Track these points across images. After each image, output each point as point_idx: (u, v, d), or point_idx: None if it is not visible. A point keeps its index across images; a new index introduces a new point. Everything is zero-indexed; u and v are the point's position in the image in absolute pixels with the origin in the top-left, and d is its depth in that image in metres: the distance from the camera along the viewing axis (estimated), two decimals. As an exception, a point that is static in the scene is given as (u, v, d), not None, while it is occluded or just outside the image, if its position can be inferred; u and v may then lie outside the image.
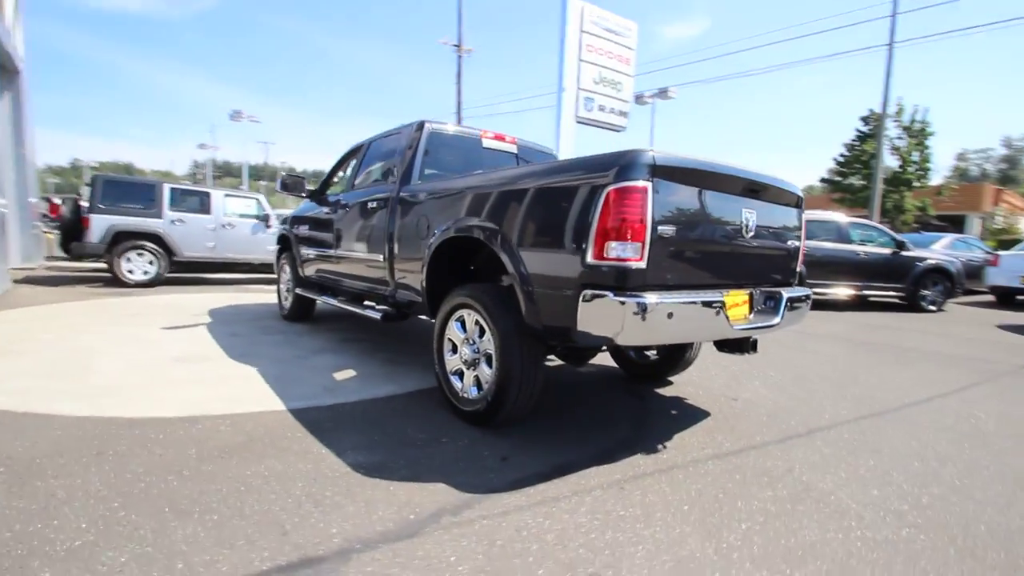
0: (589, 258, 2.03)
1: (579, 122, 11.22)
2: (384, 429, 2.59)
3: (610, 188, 1.97)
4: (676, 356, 3.48)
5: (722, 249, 2.40)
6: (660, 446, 2.52)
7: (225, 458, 2.18)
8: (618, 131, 12.32)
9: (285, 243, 5.63)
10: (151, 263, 7.83)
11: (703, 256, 2.32)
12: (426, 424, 2.67)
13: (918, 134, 25.53)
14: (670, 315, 2.01)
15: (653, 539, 1.72)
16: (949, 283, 8.88)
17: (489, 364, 2.57)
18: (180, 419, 2.58)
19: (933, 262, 8.87)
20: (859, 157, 26.84)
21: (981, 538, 1.81)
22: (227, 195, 8.73)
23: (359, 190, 4.13)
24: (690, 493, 2.06)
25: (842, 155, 27.62)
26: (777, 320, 2.62)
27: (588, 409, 3.05)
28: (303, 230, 4.93)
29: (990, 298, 10.86)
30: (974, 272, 10.42)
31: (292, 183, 4.72)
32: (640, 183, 1.95)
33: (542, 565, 1.55)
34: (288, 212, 6.16)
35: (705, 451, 2.49)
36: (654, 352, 3.58)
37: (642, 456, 2.39)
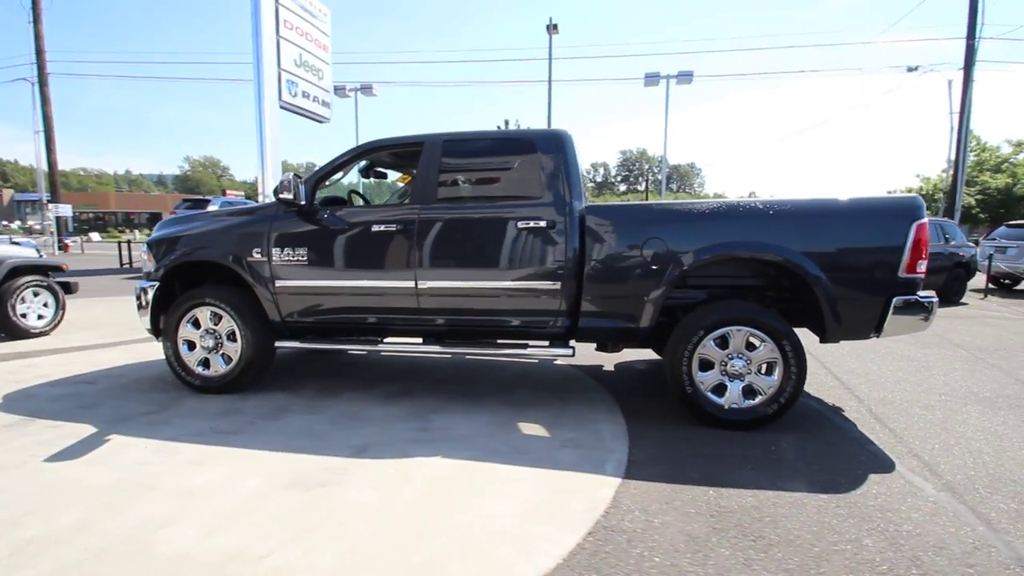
0: (902, 273, 2.79)
1: (283, 107, 9.91)
2: (735, 456, 2.64)
3: (918, 222, 2.80)
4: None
5: None
6: (840, 413, 3.46)
7: (773, 539, 1.92)
8: (322, 122, 11.43)
9: (174, 280, 3.80)
10: None
11: None
12: (724, 442, 2.80)
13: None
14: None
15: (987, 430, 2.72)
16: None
17: (766, 373, 2.94)
18: (586, 540, 1.92)
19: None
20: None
21: None
22: None
23: (453, 203, 3.33)
24: (938, 418, 3.18)
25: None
26: None
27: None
28: (291, 255, 3.36)
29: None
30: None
31: (295, 190, 3.18)
32: (927, 218, 2.83)
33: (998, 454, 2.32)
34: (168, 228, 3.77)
35: (861, 400, 3.61)
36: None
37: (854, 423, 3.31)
